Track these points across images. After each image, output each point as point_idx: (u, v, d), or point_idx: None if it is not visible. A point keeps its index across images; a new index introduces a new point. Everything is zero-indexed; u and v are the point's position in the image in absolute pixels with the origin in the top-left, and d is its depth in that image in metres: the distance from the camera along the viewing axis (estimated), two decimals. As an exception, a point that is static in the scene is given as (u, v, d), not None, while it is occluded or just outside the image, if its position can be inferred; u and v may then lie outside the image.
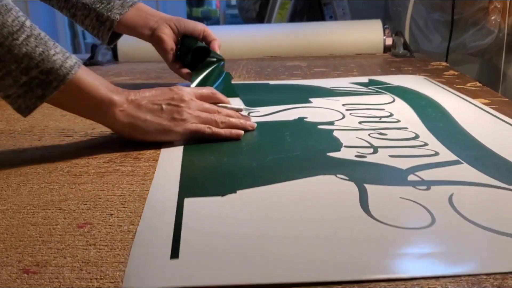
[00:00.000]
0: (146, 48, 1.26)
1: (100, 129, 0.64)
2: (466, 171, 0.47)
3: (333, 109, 0.71)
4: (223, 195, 0.43)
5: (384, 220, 0.38)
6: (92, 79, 0.53)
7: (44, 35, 0.50)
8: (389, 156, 0.52)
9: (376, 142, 0.56)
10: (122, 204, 0.43)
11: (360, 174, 0.47)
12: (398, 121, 0.65)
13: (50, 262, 0.34)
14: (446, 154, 0.52)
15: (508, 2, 1.39)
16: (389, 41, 1.24)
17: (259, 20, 2.28)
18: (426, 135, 0.59)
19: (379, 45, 1.24)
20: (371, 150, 0.53)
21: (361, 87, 0.85)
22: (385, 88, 0.83)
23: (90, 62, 1.19)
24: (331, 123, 0.64)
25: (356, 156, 0.52)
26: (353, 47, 1.25)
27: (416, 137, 0.58)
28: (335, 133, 0.60)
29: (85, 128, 0.65)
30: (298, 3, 2.16)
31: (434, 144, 0.55)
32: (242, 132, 0.60)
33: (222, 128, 0.60)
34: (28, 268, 0.34)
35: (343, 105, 0.73)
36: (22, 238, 0.38)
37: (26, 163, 0.53)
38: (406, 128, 0.61)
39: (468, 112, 0.68)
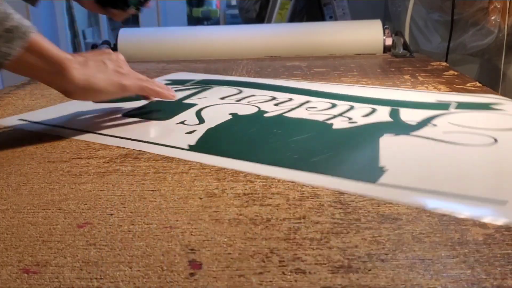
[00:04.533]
0: (146, 48, 1.27)
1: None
2: None
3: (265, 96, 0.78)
4: None
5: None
6: (46, 41, 0.54)
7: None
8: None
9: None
10: (122, 204, 0.43)
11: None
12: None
13: (50, 262, 0.34)
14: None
15: (508, 2, 1.39)
16: (389, 41, 1.24)
17: (259, 20, 2.28)
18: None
19: (379, 45, 1.24)
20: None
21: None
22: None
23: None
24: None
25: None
26: (353, 47, 1.24)
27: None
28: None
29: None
30: (298, 3, 2.16)
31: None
32: (176, 94, 0.69)
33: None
34: (28, 268, 0.34)
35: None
36: (22, 238, 0.38)
37: (26, 163, 0.53)
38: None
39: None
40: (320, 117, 0.68)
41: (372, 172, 0.48)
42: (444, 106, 0.73)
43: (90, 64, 0.57)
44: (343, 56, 1.21)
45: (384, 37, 1.24)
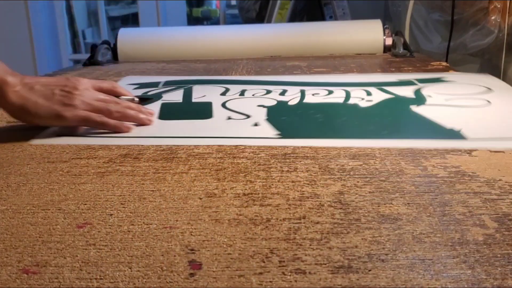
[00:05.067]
0: (146, 48, 1.27)
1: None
2: None
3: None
4: None
5: None
6: None
7: None
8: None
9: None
10: (122, 204, 0.43)
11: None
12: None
13: (50, 262, 0.34)
14: None
15: (508, 2, 1.39)
16: (389, 41, 1.24)
17: (259, 20, 2.28)
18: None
19: (379, 45, 1.24)
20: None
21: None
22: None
23: (90, 62, 1.19)
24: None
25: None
26: (353, 47, 1.24)
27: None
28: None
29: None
30: (298, 3, 2.16)
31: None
32: (132, 127, 0.62)
33: (116, 118, 0.61)
34: (28, 268, 0.34)
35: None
36: (22, 238, 0.38)
37: (25, 163, 0.53)
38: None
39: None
40: (336, 100, 0.74)
41: (452, 132, 0.59)
42: (409, 82, 0.84)
43: (36, 89, 0.59)
44: (343, 56, 1.21)
45: (384, 37, 1.24)
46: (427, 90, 0.78)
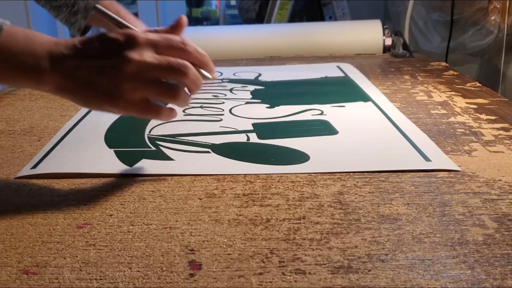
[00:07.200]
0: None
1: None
2: None
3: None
4: None
5: None
6: (20, 39, 0.42)
7: None
8: None
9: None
10: (121, 204, 0.43)
11: None
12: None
13: (49, 262, 0.34)
14: None
15: (507, 2, 1.39)
16: (388, 42, 1.24)
17: (259, 20, 2.27)
18: None
19: (378, 45, 1.24)
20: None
21: None
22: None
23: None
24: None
25: None
26: (353, 48, 1.24)
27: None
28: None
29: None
30: (298, 3, 2.16)
31: None
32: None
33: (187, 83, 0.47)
34: (27, 268, 0.34)
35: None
36: (22, 238, 0.38)
37: (25, 163, 0.53)
38: None
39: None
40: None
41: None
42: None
43: (79, 74, 0.42)
44: (343, 56, 1.21)
45: (384, 37, 1.24)
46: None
